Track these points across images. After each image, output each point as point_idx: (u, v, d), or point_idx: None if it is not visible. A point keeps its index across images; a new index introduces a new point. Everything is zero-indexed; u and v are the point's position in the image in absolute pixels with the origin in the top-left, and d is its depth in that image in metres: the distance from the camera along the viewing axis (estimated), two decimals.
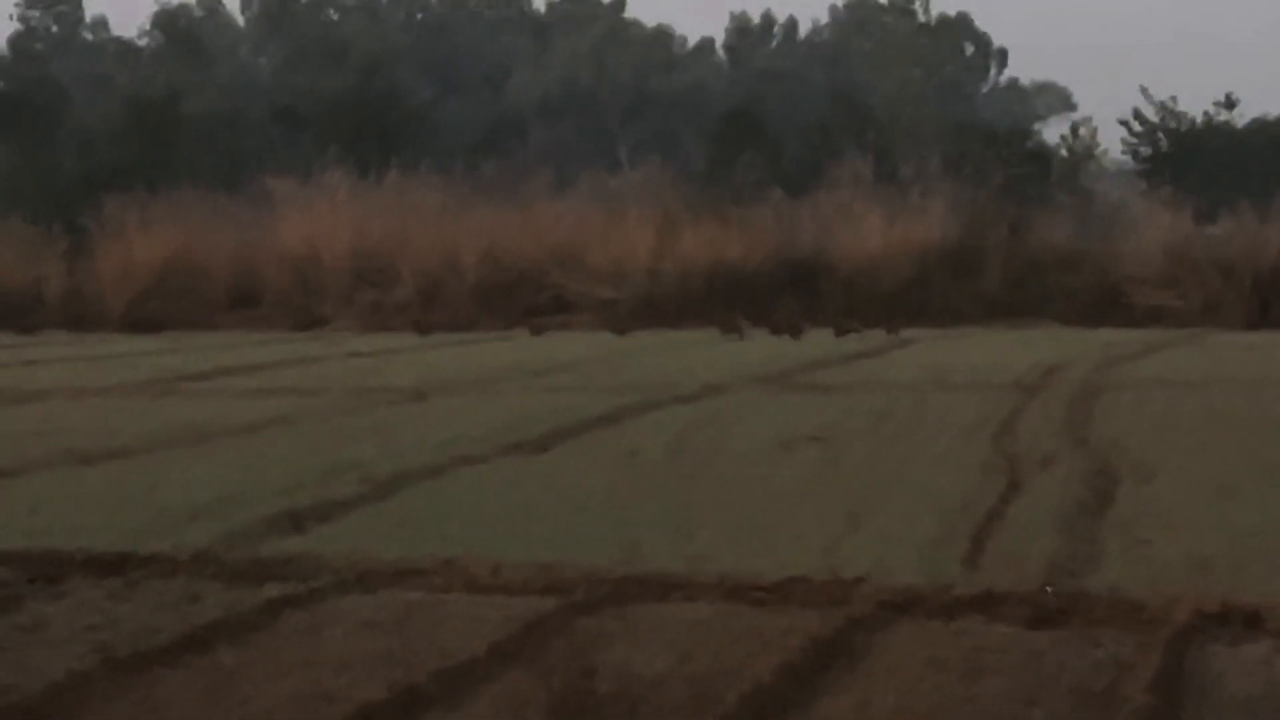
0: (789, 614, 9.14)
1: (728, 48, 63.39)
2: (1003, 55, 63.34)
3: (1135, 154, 41.66)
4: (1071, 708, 7.51)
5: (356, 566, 10.37)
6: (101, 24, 62.37)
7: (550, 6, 63.60)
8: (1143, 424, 16.55)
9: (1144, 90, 41.89)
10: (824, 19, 64.25)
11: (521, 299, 33.35)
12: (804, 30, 64.44)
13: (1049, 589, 9.43)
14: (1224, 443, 15.23)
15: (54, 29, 63.03)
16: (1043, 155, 40.69)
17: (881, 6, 61.96)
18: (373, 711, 7.45)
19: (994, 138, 41.41)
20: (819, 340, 27.58)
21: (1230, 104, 41.05)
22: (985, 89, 62.56)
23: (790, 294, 32.78)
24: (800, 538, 11.16)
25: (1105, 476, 13.39)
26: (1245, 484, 13.00)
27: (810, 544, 10.90)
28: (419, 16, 62.77)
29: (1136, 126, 41.64)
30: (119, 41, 59.89)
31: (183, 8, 59.57)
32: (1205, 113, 41.21)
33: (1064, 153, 41.21)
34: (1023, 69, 64.05)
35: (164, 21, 57.26)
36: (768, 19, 64.03)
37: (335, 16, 61.45)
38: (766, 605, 9.39)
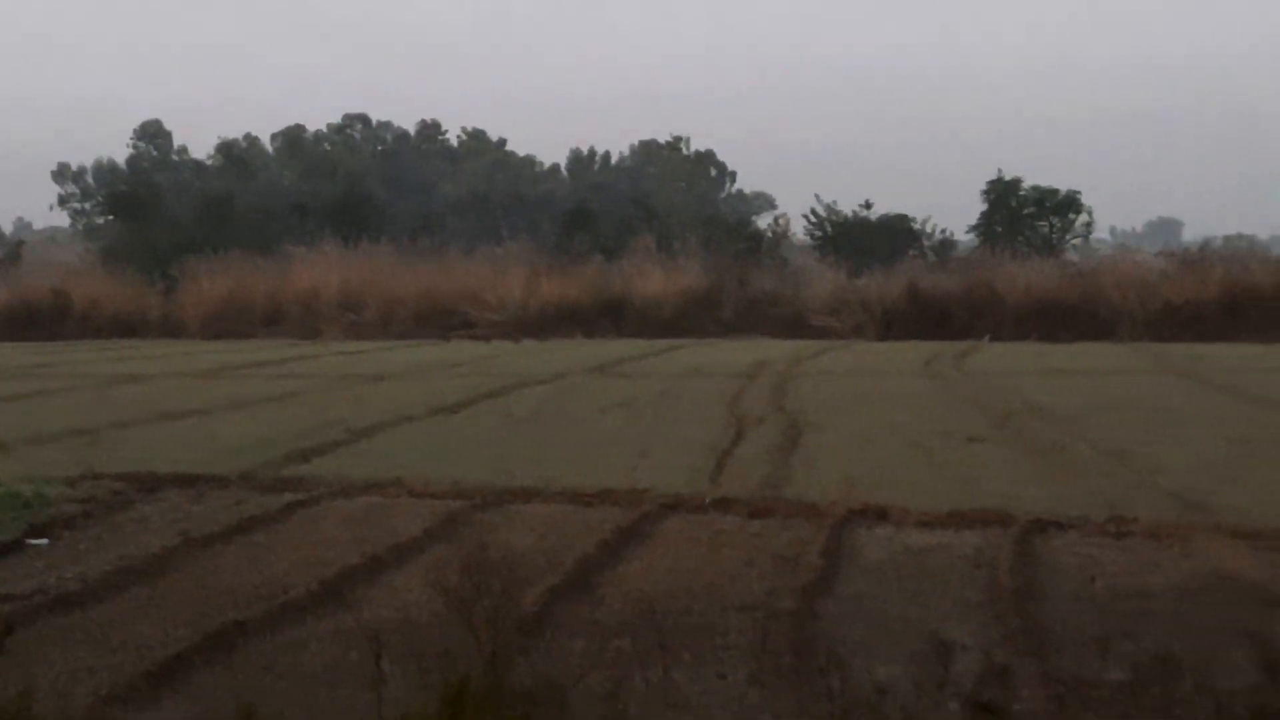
0: (605, 511, 9.13)
1: (569, 169, 63.26)
2: (734, 174, 63.98)
3: (812, 235, 41.86)
4: (773, 566, 7.55)
5: (341, 482, 10.28)
6: (184, 150, 61.37)
7: (461, 142, 63.36)
8: (818, 398, 16.64)
9: (817, 196, 42.25)
10: (627, 152, 64.44)
11: (444, 320, 33.20)
12: (615, 158, 64.45)
13: (707, 500, 9.50)
14: (865, 410, 15.34)
15: (154, 152, 61.99)
16: (757, 236, 40.87)
17: (661, 145, 62.43)
18: (351, 570, 7.40)
19: (728, 225, 41.65)
20: (625, 346, 27.56)
21: (868, 205, 41.39)
22: (723, 195, 62.75)
23: (607, 319, 32.81)
24: (612, 465, 11.15)
25: (794, 430, 13.44)
26: (877, 435, 13.11)
27: (618, 469, 10.90)
28: (379, 148, 62.33)
29: (813, 219, 41.85)
30: (195, 161, 58.90)
31: (235, 140, 58.69)
32: (854, 210, 41.51)
33: (769, 234, 41.47)
34: (745, 182, 64.53)
35: (223, 149, 56.56)
36: (592, 151, 64.07)
37: (329, 147, 60.89)
38: (591, 506, 9.37)
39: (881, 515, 8.97)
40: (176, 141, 63.10)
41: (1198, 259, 32.53)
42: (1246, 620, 6.02)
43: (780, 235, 42.18)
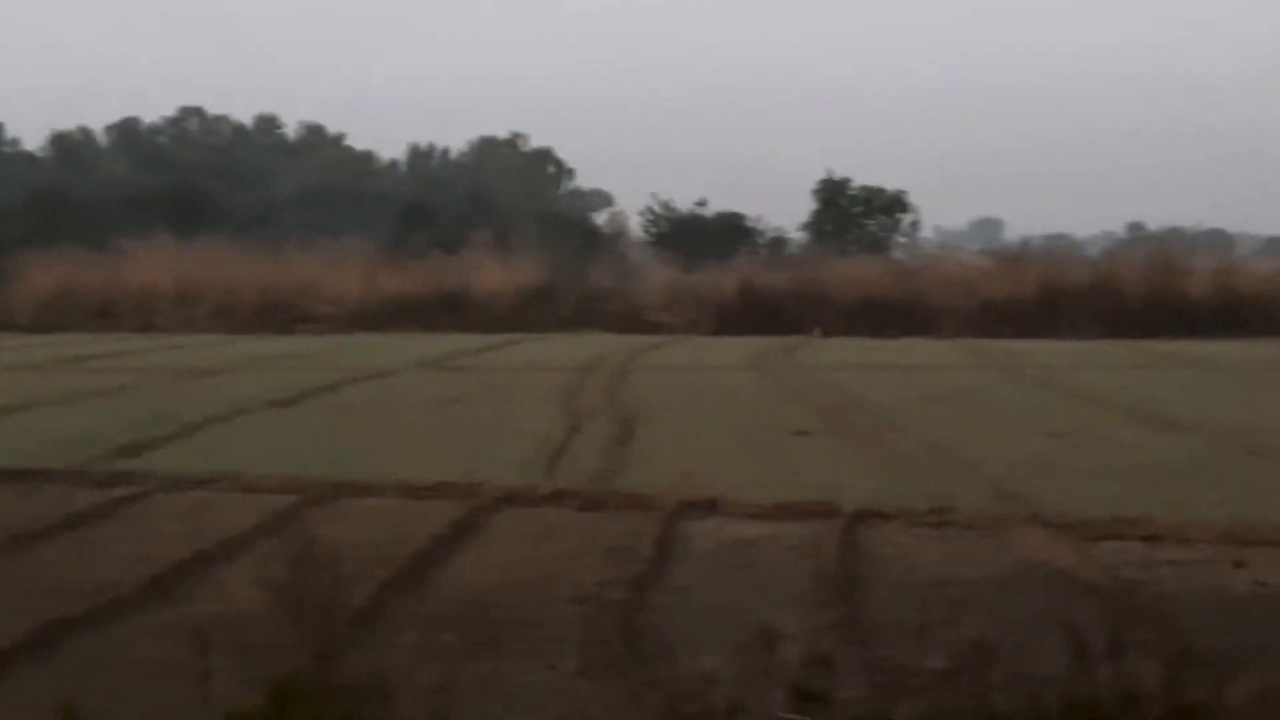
0: (439, 505, 9.04)
1: (407, 164, 62.75)
2: (572, 171, 63.98)
3: (648, 232, 42.13)
4: (605, 558, 7.55)
5: (172, 477, 10.06)
6: (15, 142, 59.62)
7: (298, 136, 62.52)
8: (652, 391, 16.69)
9: (653, 194, 42.51)
10: (465, 148, 64.10)
11: (281, 315, 32.71)
12: (454, 154, 64.06)
13: (540, 493, 9.49)
14: (698, 403, 15.44)
15: None
16: (594, 233, 41.10)
17: (499, 141, 62.25)
18: (180, 566, 7.25)
19: (566, 221, 41.79)
20: (463, 340, 27.35)
21: (702, 204, 41.80)
22: (561, 192, 62.75)
23: (445, 313, 32.58)
24: (447, 458, 11.07)
25: (629, 423, 13.45)
26: (708, 429, 13.20)
27: (452, 462, 10.81)
28: (216, 141, 61.25)
29: (649, 216, 42.13)
30: (27, 154, 57.36)
31: (68, 132, 57.26)
32: (689, 208, 41.85)
33: (606, 231, 41.68)
34: (583, 179, 64.56)
35: (56, 141, 55.19)
36: (431, 147, 63.64)
37: (164, 140, 59.68)
38: (425, 499, 9.28)
39: (711, 507, 9.01)
40: (8, 133, 61.37)
41: (1016, 257, 33.34)
42: (1058, 609, 6.16)
43: (617, 232, 42.41)
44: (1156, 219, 54.72)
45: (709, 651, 5.65)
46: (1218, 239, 43.40)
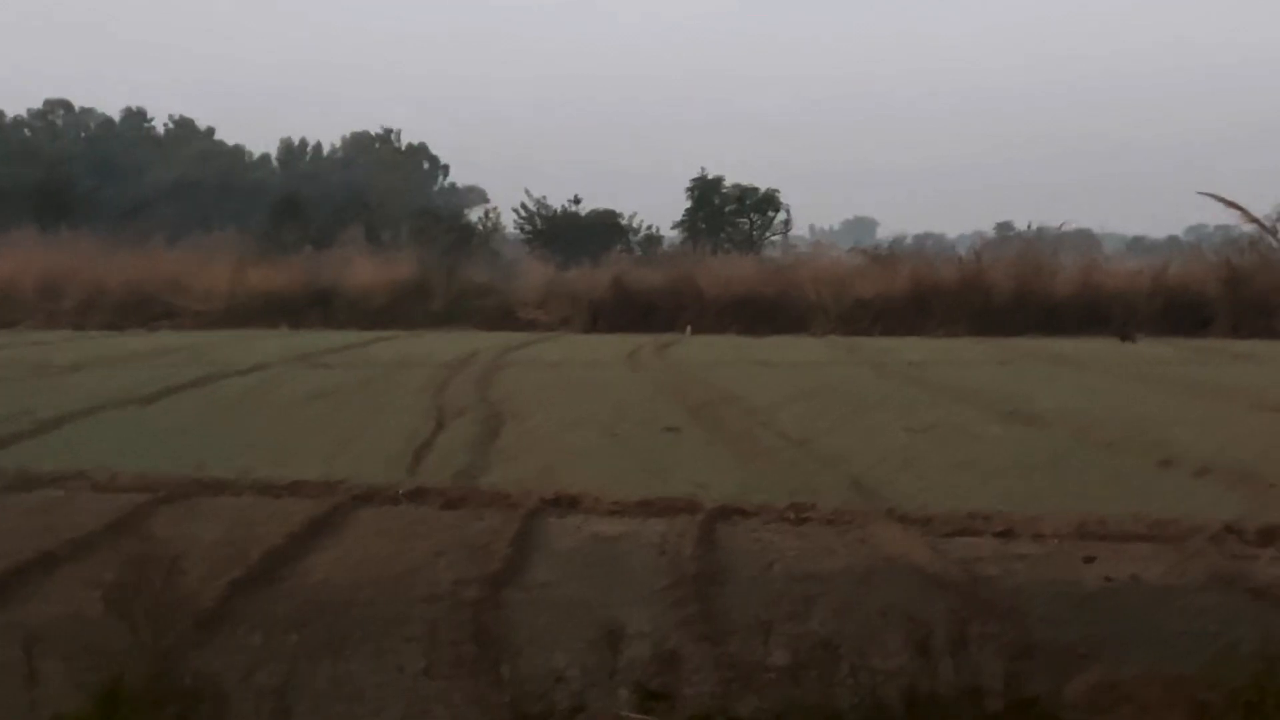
0: (297, 503, 8.90)
1: (279, 159, 61.98)
2: (447, 168, 63.58)
3: (523, 229, 42.05)
4: (463, 556, 7.47)
5: (22, 475, 9.82)
6: None
7: (168, 130, 61.50)
8: (522, 387, 16.62)
9: (527, 191, 42.55)
10: (338, 143, 63.50)
11: (149, 310, 32.14)
12: (326, 149, 63.38)
13: (401, 492, 9.40)
14: (567, 400, 15.36)
15: None
16: (469, 229, 40.91)
17: (373, 136, 61.74)
18: (23, 566, 7.05)
19: (440, 218, 41.55)
20: (333, 336, 27.03)
21: (577, 201, 41.85)
22: (436, 188, 62.31)
23: (316, 309, 32.21)
24: (309, 456, 10.90)
25: (497, 419, 13.37)
26: (576, 425, 13.12)
27: (314, 460, 10.66)
28: (83, 134, 60.15)
29: (524, 213, 42.06)
30: None
31: None
32: (563, 206, 41.85)
33: (480, 228, 41.53)
34: (459, 176, 64.19)
35: None
36: (304, 142, 62.92)
37: (29, 133, 58.44)
38: (283, 498, 9.13)
39: (574, 504, 8.97)
40: None
41: (888, 256, 33.71)
42: (908, 604, 6.19)
43: (490, 228, 42.24)
44: (1026, 219, 55.41)
45: (559, 650, 5.60)
46: (1084, 239, 44.12)
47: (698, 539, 7.84)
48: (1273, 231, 27.59)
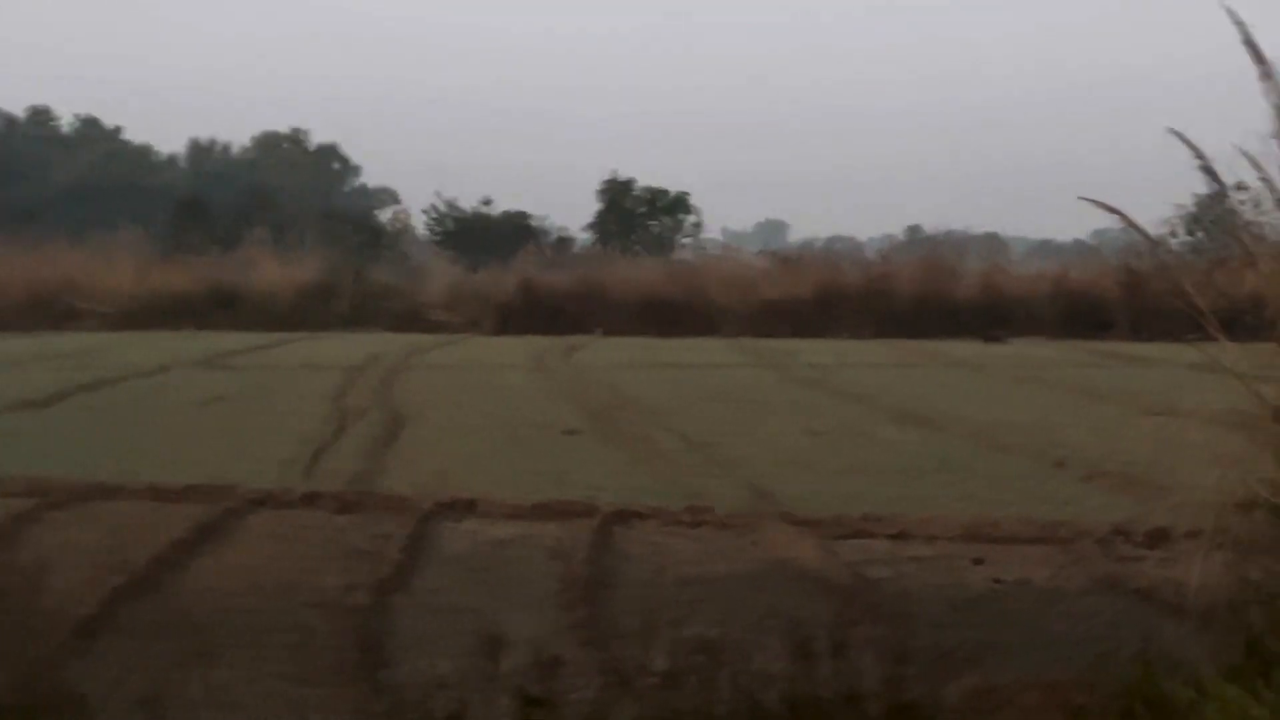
0: (187, 508, 8.74)
1: (187, 159, 61.31)
2: (358, 169, 63.24)
3: (433, 231, 41.86)
4: (353, 561, 7.38)
5: None
6: None
7: (73, 129, 60.63)
8: (425, 391, 16.52)
9: (437, 192, 42.34)
10: (248, 143, 62.92)
11: (50, 311, 31.61)
12: (235, 149, 62.81)
13: (294, 495, 9.27)
14: (470, 403, 15.31)
15: None
16: (378, 230, 40.69)
17: (282, 136, 61.22)
18: None
19: (348, 219, 41.32)
20: (238, 339, 26.70)
21: (487, 202, 41.73)
22: (346, 189, 61.89)
23: (221, 311, 31.83)
24: (204, 460, 10.77)
25: (396, 422, 13.27)
26: (477, 428, 13.08)
27: (209, 463, 10.54)
28: None
29: (434, 214, 41.87)
30: None
31: None
32: (474, 207, 41.69)
33: (390, 229, 41.33)
34: (370, 177, 63.78)
35: None
36: (212, 142, 62.35)
37: None
38: (173, 502, 8.98)
39: (469, 508, 8.89)
40: None
41: (795, 258, 33.88)
42: (795, 608, 6.19)
43: (400, 230, 42.00)
44: (937, 223, 55.87)
45: (443, 656, 5.54)
46: (991, 242, 44.59)
47: (591, 543, 7.80)
48: (1154, 238, 28.02)
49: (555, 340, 26.79)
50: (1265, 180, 5.11)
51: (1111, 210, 5.44)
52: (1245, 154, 5.00)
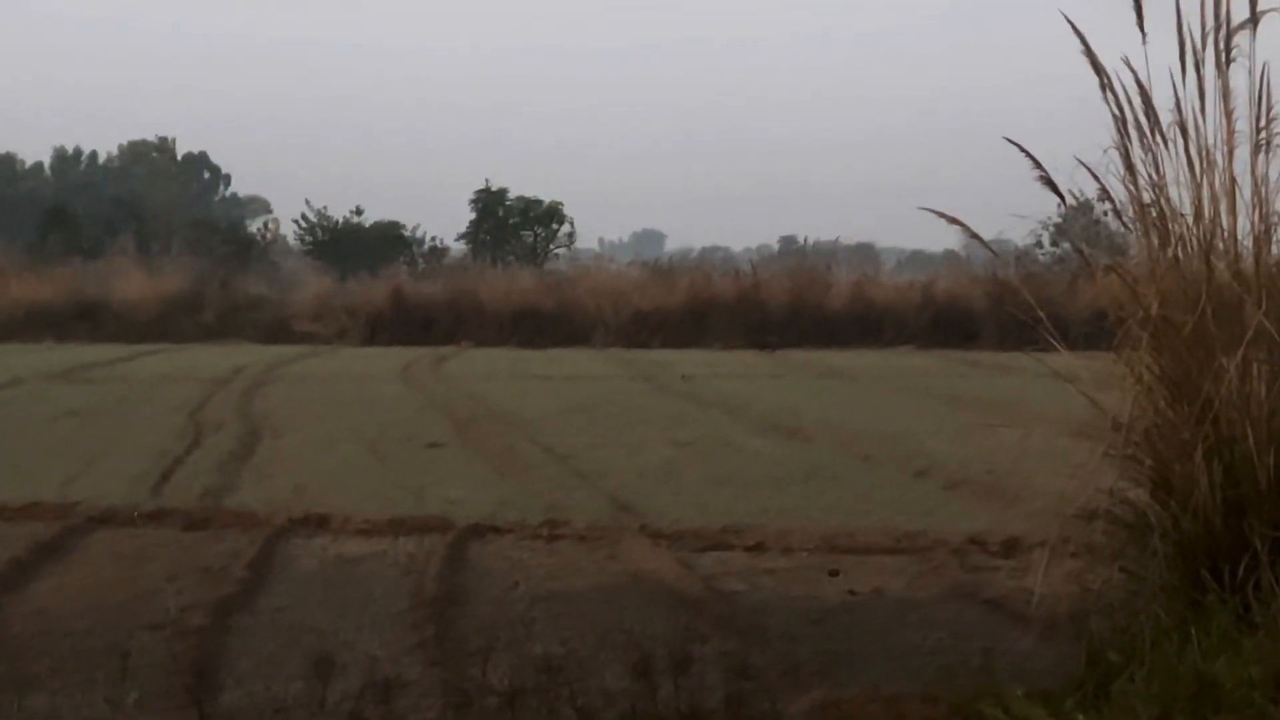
0: (26, 526, 8.51)
1: (52, 168, 60.07)
2: (228, 178, 62.33)
3: (303, 240, 41.40)
4: (197, 580, 7.20)
5: None
6: None
7: None
8: (286, 403, 16.28)
9: (308, 201, 41.86)
10: (115, 152, 61.73)
11: None
12: (102, 158, 61.62)
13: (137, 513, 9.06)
14: (332, 415, 15.09)
15: None
16: (248, 240, 40.15)
17: (150, 145, 60.19)
18: None
19: (217, 228, 40.73)
20: (99, 350, 26.10)
21: (359, 212, 41.37)
22: (217, 198, 61.02)
23: (83, 322, 31.17)
24: (48, 476, 10.49)
25: (254, 436, 13.05)
26: (338, 441, 12.89)
27: (54, 479, 10.28)
28: None
29: (304, 224, 41.40)
30: None
31: None
32: (345, 217, 41.30)
33: (260, 239, 40.80)
34: (241, 186, 62.93)
35: None
36: (78, 151, 61.13)
37: None
38: (12, 521, 8.73)
39: (322, 524, 8.74)
40: None
41: (667, 269, 33.97)
42: (646, 623, 6.13)
43: (270, 239, 41.48)
44: (812, 234, 56.26)
45: (284, 678, 5.40)
46: (865, 253, 45.02)
47: (445, 558, 7.69)
48: (1020, 248, 28.59)
49: (424, 351, 26.57)
50: (1104, 190, 5.14)
51: (953, 221, 5.44)
52: (1083, 164, 5.02)
